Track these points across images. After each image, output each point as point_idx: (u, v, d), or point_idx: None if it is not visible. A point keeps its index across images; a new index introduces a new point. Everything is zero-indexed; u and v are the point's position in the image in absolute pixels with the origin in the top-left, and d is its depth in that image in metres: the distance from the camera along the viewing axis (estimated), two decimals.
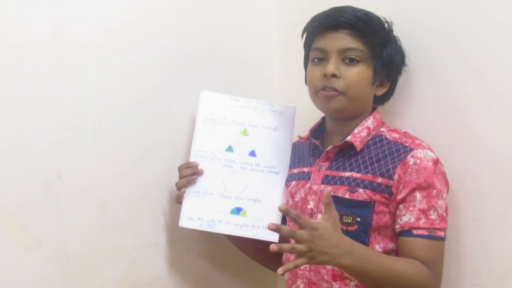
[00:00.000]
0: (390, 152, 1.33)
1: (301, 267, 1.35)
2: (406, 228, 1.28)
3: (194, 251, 1.62)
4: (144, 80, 1.53)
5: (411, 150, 1.30)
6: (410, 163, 1.29)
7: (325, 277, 1.33)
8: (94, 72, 1.44)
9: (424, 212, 1.27)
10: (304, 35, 1.46)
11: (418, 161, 1.29)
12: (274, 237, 1.43)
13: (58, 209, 1.38)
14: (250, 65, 1.76)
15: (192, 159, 1.47)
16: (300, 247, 1.12)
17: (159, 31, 1.56)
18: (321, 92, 1.36)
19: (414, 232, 1.27)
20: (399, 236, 1.31)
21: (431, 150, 1.32)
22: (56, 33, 1.38)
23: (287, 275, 1.42)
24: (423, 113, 1.46)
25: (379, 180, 1.31)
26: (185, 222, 1.44)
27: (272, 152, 1.51)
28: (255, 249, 1.55)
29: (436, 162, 1.30)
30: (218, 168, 1.47)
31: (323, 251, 1.14)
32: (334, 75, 1.34)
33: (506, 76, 1.31)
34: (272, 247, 1.12)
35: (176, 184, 1.47)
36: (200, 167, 1.46)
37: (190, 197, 1.45)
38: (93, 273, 1.44)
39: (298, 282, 1.37)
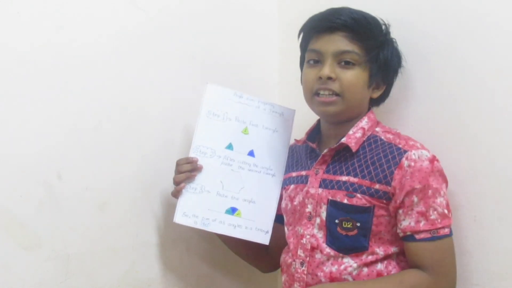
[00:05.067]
0: (385, 155, 1.32)
1: (299, 270, 1.36)
2: (408, 233, 1.28)
3: (194, 251, 1.63)
4: (144, 80, 1.53)
5: (405, 152, 1.29)
6: (405, 165, 1.28)
7: (323, 279, 1.33)
8: (94, 72, 1.44)
9: (423, 214, 1.26)
10: (301, 36, 1.45)
11: (413, 163, 1.28)
12: (265, 239, 1.47)
13: (58, 209, 1.38)
14: (250, 65, 1.76)
15: (191, 154, 1.44)
16: None
17: (158, 32, 1.56)
18: (316, 98, 1.36)
19: (417, 236, 1.27)
20: (403, 241, 1.30)
21: (425, 149, 1.31)
22: (56, 32, 1.38)
23: (284, 278, 1.42)
24: (421, 113, 1.46)
25: (377, 186, 1.30)
26: (179, 218, 1.42)
27: (270, 153, 1.50)
28: (245, 248, 1.55)
29: (432, 160, 1.29)
30: (217, 165, 1.46)
31: None
32: (329, 78, 1.33)
33: (504, 75, 1.31)
34: None
35: (174, 179, 1.44)
36: (199, 163, 1.44)
37: (187, 193, 1.43)
38: (93, 273, 1.44)
39: (295, 285, 1.37)
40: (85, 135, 1.42)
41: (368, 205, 1.30)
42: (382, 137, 1.36)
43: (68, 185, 1.39)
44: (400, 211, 1.28)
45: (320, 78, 1.34)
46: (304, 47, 1.44)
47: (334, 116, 1.37)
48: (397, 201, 1.28)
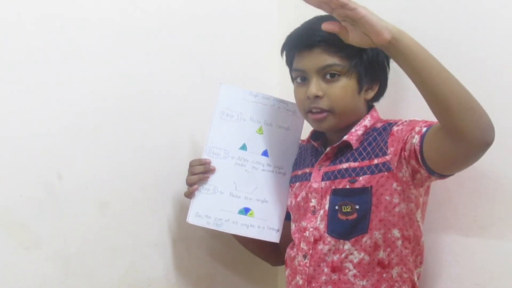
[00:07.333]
0: (379, 133, 1.33)
1: (301, 263, 1.36)
2: (424, 130, 1.22)
3: (194, 251, 1.63)
4: (144, 80, 1.53)
5: (396, 123, 1.31)
6: (398, 127, 1.29)
7: (325, 269, 1.32)
8: (94, 72, 1.44)
9: (423, 121, 1.26)
10: (284, 54, 1.44)
11: (404, 120, 1.30)
12: (276, 237, 1.48)
13: (58, 209, 1.38)
14: (250, 66, 1.76)
15: (205, 156, 1.44)
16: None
17: (159, 32, 1.56)
18: (310, 115, 1.37)
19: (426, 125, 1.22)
20: (423, 139, 1.21)
21: None
22: (56, 32, 1.38)
23: (287, 272, 1.42)
24: (422, 113, 1.44)
25: (375, 161, 1.30)
26: (192, 218, 1.43)
27: (282, 152, 1.51)
28: (257, 245, 1.56)
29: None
30: (231, 166, 1.46)
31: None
32: (317, 96, 1.33)
33: (504, 75, 1.31)
34: None
35: (187, 180, 1.45)
36: (212, 164, 1.44)
37: (200, 194, 1.43)
38: (93, 273, 1.44)
39: (297, 278, 1.37)
40: (85, 135, 1.42)
41: (366, 185, 1.29)
42: (379, 125, 1.37)
43: (68, 185, 1.39)
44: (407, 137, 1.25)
45: (309, 97, 1.34)
46: (289, 65, 1.44)
47: (330, 129, 1.39)
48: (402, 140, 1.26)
